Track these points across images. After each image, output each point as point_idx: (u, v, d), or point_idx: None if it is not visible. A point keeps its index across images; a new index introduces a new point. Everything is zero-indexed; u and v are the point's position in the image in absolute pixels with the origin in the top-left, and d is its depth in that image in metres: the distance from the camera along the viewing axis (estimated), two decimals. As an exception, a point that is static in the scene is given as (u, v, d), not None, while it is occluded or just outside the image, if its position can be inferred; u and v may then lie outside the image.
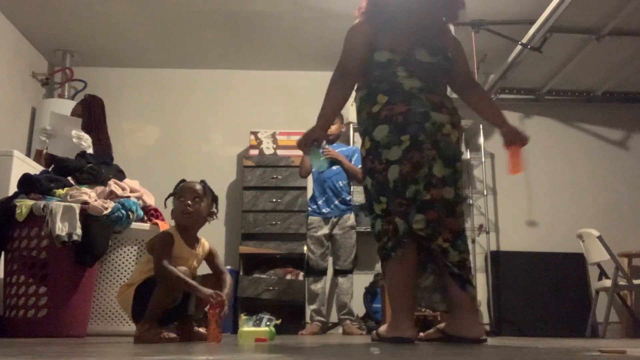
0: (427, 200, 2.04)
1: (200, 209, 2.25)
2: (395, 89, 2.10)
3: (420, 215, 2.04)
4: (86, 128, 3.51)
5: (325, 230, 4.08)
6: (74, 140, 3.27)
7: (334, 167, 4.14)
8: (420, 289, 2.16)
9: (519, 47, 4.24)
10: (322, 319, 4.06)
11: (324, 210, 4.11)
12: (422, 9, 2.20)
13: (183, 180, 2.33)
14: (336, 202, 4.11)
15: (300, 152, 4.24)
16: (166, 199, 2.30)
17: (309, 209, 4.22)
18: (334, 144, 4.25)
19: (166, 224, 3.06)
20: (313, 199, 4.20)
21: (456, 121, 2.15)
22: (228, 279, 2.27)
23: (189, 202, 2.22)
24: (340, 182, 4.14)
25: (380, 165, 2.08)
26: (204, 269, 2.35)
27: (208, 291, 2.05)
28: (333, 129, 4.21)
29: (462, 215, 2.15)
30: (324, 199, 4.12)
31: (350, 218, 4.13)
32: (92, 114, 3.60)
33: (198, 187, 2.28)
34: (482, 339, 2.03)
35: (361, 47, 2.19)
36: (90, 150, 3.36)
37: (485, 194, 4.93)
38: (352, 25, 2.27)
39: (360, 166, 4.11)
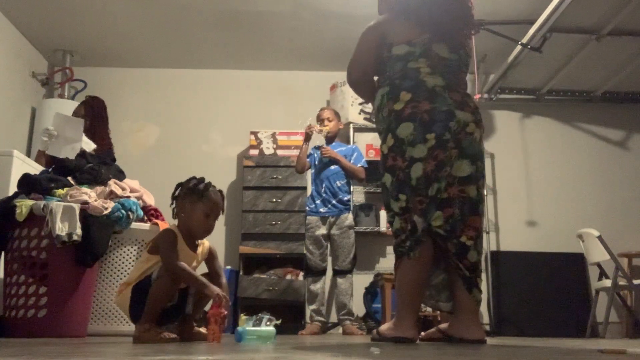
0: (445, 198, 2.05)
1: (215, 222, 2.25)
2: (419, 87, 2.10)
3: (439, 212, 2.05)
4: (89, 129, 3.51)
5: (323, 230, 4.08)
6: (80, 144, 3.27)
7: (332, 167, 4.13)
8: (430, 286, 2.17)
9: (519, 47, 4.24)
10: (322, 319, 4.05)
11: (321, 210, 4.10)
12: (438, 4, 2.21)
13: (202, 181, 2.24)
14: (334, 201, 4.10)
15: (296, 151, 4.28)
16: (183, 199, 2.21)
17: (307, 208, 4.21)
18: (333, 143, 4.24)
19: (166, 224, 3.05)
20: (311, 198, 4.20)
21: (478, 120, 2.14)
22: (225, 285, 2.24)
23: (213, 221, 2.21)
24: (338, 182, 4.13)
25: (403, 163, 2.07)
26: (201, 269, 2.34)
27: (216, 289, 2.06)
28: (331, 125, 4.21)
29: (484, 214, 2.16)
30: (321, 198, 4.11)
31: (348, 218, 4.12)
32: (94, 114, 3.61)
33: (221, 204, 2.25)
34: (482, 341, 2.04)
35: (373, 48, 2.22)
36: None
37: (485, 194, 4.91)
38: (366, 26, 2.28)
39: (359, 165, 4.16)
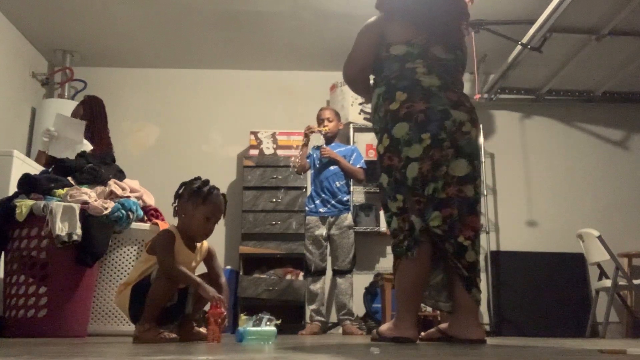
0: (443, 198, 2.05)
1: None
2: (414, 87, 2.10)
3: (436, 212, 2.04)
4: (88, 128, 3.51)
5: (322, 230, 4.07)
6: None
7: (332, 167, 4.13)
8: (429, 286, 2.16)
9: (519, 47, 4.24)
10: (321, 318, 4.05)
11: (320, 210, 4.10)
12: (439, 5, 2.21)
13: (206, 183, 2.22)
14: (333, 202, 4.10)
15: (296, 152, 4.28)
16: (186, 200, 2.18)
17: (307, 208, 4.21)
18: (332, 144, 4.24)
19: (166, 224, 3.05)
20: (310, 198, 4.19)
21: (474, 119, 2.14)
22: (225, 285, 2.23)
23: (213, 224, 2.20)
24: (337, 183, 4.12)
25: (399, 163, 2.07)
26: (201, 269, 2.34)
27: (211, 290, 2.04)
28: (331, 126, 4.21)
29: (480, 213, 2.16)
30: (320, 199, 4.11)
31: (347, 218, 4.12)
32: (93, 114, 3.60)
33: (223, 208, 2.24)
34: (482, 341, 2.04)
35: (371, 46, 2.22)
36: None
37: (485, 194, 4.92)
38: (364, 25, 2.28)
39: (358, 165, 4.16)
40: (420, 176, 2.04)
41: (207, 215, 2.18)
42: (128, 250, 3.00)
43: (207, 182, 2.25)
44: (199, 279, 2.09)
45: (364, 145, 4.83)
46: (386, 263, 4.86)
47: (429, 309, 3.86)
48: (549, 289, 4.72)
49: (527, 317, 4.62)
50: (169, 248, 2.12)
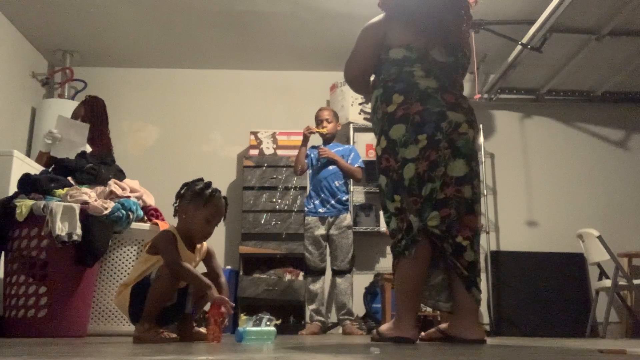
0: (441, 198, 2.05)
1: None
2: (411, 89, 2.10)
3: (435, 212, 2.05)
4: (89, 129, 3.51)
5: (321, 230, 4.07)
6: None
7: (331, 167, 4.13)
8: (429, 286, 2.16)
9: (519, 47, 4.24)
10: (321, 318, 4.05)
11: (320, 210, 4.09)
12: (440, 7, 2.21)
13: (209, 185, 2.22)
14: (332, 202, 4.09)
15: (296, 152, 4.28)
16: (187, 202, 2.19)
17: (306, 209, 4.20)
18: (331, 144, 4.24)
19: (166, 224, 3.05)
20: (309, 198, 4.19)
21: (472, 120, 2.15)
22: (225, 284, 2.23)
23: (213, 227, 2.20)
24: (336, 182, 4.12)
25: (396, 164, 2.09)
26: (201, 268, 2.33)
27: (217, 294, 2.04)
28: (329, 127, 4.21)
29: (480, 213, 2.16)
30: (320, 199, 4.11)
31: (346, 218, 4.12)
32: (94, 114, 3.60)
33: (224, 211, 2.24)
34: (482, 341, 2.04)
35: (373, 46, 2.22)
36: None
37: (485, 194, 4.92)
38: (366, 25, 2.28)
39: (356, 165, 4.16)
40: (416, 176, 2.05)
41: (207, 218, 2.18)
42: (128, 250, 3.00)
43: (209, 184, 2.25)
44: (207, 280, 2.07)
45: (364, 145, 4.83)
46: (386, 263, 4.86)
47: (429, 309, 3.86)
48: (549, 289, 4.72)
49: (527, 317, 4.62)
50: (174, 246, 2.12)
